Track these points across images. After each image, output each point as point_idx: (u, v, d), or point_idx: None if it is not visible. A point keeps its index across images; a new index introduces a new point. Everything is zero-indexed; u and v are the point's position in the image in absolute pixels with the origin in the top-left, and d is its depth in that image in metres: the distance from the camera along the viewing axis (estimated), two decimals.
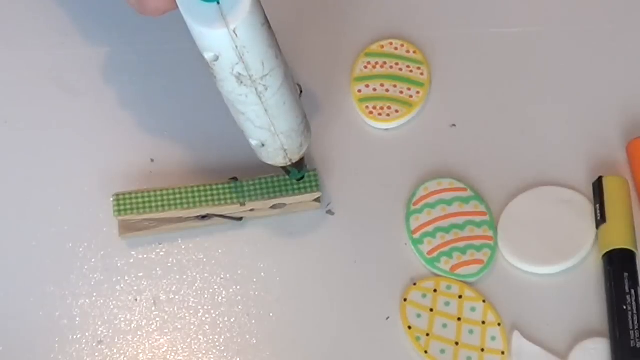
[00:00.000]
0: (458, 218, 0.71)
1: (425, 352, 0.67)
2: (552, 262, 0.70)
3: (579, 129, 0.75)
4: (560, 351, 0.67)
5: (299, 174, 0.70)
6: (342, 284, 0.70)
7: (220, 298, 0.70)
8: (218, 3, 0.59)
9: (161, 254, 0.71)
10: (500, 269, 0.70)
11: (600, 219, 0.70)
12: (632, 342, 0.65)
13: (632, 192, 0.71)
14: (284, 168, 0.69)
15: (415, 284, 0.69)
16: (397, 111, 0.75)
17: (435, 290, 0.69)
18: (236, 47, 0.60)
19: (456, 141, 0.75)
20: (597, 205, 0.70)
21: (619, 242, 0.69)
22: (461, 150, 0.74)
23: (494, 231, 0.71)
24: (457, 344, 0.67)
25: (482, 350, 0.67)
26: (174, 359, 0.68)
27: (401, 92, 0.76)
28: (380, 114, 0.75)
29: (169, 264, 0.71)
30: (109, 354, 0.68)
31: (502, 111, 0.76)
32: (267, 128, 0.65)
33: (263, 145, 0.67)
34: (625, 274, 0.67)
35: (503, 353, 0.67)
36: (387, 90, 0.76)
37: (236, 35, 0.59)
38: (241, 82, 0.62)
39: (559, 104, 0.76)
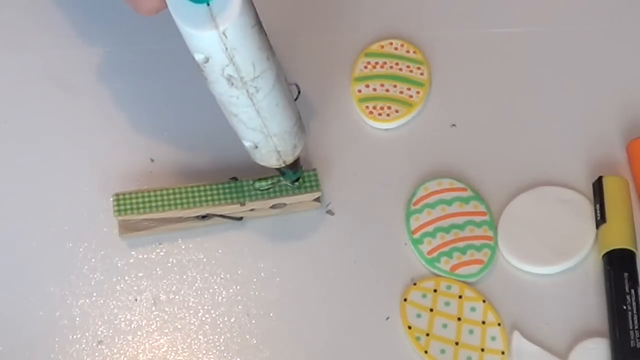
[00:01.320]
0: (458, 218, 0.71)
1: (425, 352, 0.67)
2: (552, 262, 0.70)
3: (579, 129, 0.75)
4: (560, 351, 0.67)
5: (294, 175, 0.70)
6: (342, 284, 0.70)
7: (220, 298, 0.70)
8: (208, 4, 0.58)
9: (161, 254, 0.71)
10: (500, 269, 0.70)
11: (600, 219, 0.70)
12: (632, 342, 0.65)
13: (632, 192, 0.71)
14: (278, 169, 0.69)
15: (415, 284, 0.69)
16: (397, 111, 0.75)
17: (435, 290, 0.69)
18: (226, 48, 0.59)
19: (456, 141, 0.75)
20: (597, 205, 0.70)
21: (619, 242, 0.69)
22: (461, 150, 0.75)
23: (494, 231, 0.71)
24: (457, 344, 0.67)
25: (482, 350, 0.67)
26: (174, 359, 0.68)
27: (401, 92, 0.76)
28: (380, 114, 0.75)
29: (169, 264, 0.71)
30: (109, 354, 0.68)
31: (502, 111, 0.76)
32: (259, 130, 0.65)
33: (256, 147, 0.66)
34: (625, 274, 0.67)
35: (503, 353, 0.67)
36: (387, 90, 0.76)
37: (226, 36, 0.59)
38: (232, 84, 0.61)
39: (558, 103, 0.76)
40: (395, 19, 0.80)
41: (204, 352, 0.68)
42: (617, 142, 0.74)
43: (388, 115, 0.75)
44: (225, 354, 0.68)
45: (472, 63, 0.78)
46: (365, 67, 0.77)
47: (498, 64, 0.78)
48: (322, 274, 0.70)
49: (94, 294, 0.70)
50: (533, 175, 0.73)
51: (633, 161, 0.73)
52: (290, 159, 0.68)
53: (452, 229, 0.71)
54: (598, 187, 0.71)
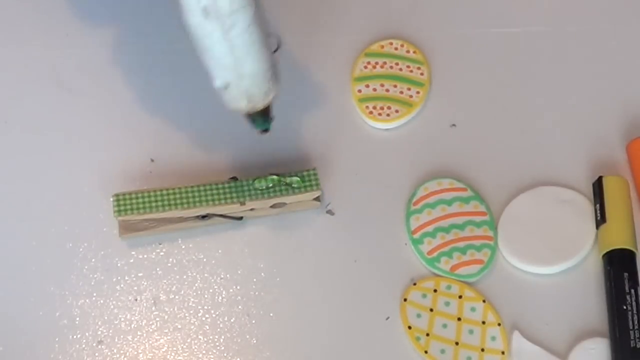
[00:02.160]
0: (458, 218, 0.71)
1: (425, 352, 0.67)
2: (552, 262, 0.70)
3: (579, 129, 0.75)
4: (560, 351, 0.67)
5: (264, 124, 0.69)
6: (342, 284, 0.70)
7: (220, 298, 0.70)
8: None
9: (161, 254, 0.71)
10: (500, 269, 0.70)
11: (600, 219, 0.70)
12: (632, 342, 0.65)
13: (632, 192, 0.71)
14: (248, 116, 0.68)
15: (415, 284, 0.69)
16: (397, 111, 0.75)
17: (435, 290, 0.69)
18: None
19: (456, 141, 0.75)
20: (597, 205, 0.70)
21: (619, 242, 0.69)
22: (461, 150, 0.75)
23: (494, 231, 0.71)
24: (457, 344, 0.67)
25: (482, 350, 0.67)
26: (174, 359, 0.68)
27: (401, 92, 0.76)
28: (380, 114, 0.75)
29: (169, 264, 0.71)
30: (109, 354, 0.68)
31: (502, 111, 0.76)
32: (231, 68, 0.64)
33: (227, 87, 0.66)
34: (625, 274, 0.67)
35: (503, 353, 0.67)
36: (387, 90, 0.76)
37: None
38: (207, 15, 0.61)
39: (559, 104, 0.76)
40: (395, 19, 0.80)
41: (204, 352, 0.68)
42: (617, 142, 0.74)
43: (388, 115, 0.75)
44: (225, 354, 0.68)
45: (472, 63, 0.78)
46: (365, 67, 0.77)
47: (498, 64, 0.78)
48: (322, 274, 0.70)
49: (94, 294, 0.70)
50: (533, 175, 0.73)
51: (633, 161, 0.73)
52: (260, 105, 0.67)
53: (452, 229, 0.71)
54: (598, 187, 0.71)
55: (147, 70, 0.78)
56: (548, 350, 0.67)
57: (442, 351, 0.67)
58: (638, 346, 0.65)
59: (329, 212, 0.72)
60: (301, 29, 0.79)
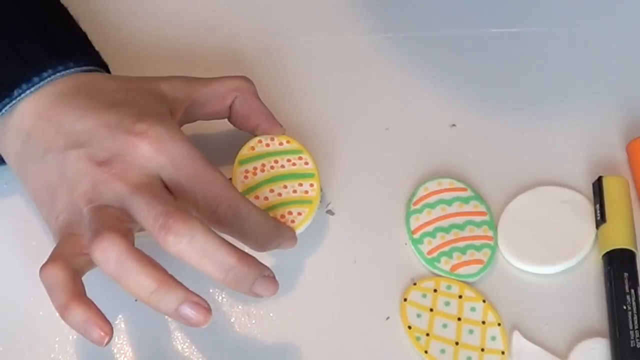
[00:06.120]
0: (458, 218, 0.71)
1: (425, 352, 0.67)
2: (552, 262, 0.70)
3: (579, 129, 0.75)
4: (560, 351, 0.67)
5: None
6: (342, 284, 0.70)
7: (220, 298, 0.70)
8: None
9: (161, 254, 0.71)
10: (500, 269, 0.70)
11: (600, 219, 0.70)
12: (632, 342, 0.65)
13: (632, 192, 0.71)
14: None
15: (415, 284, 0.69)
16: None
17: (435, 290, 0.69)
18: None
19: (456, 141, 0.75)
20: (597, 205, 0.70)
21: (619, 242, 0.69)
22: (461, 150, 0.75)
23: (494, 231, 0.71)
24: (457, 344, 0.67)
25: (482, 350, 0.67)
26: (174, 359, 0.68)
27: None
28: None
29: (169, 265, 0.71)
30: (109, 353, 0.68)
31: (502, 111, 0.76)
32: None
33: None
34: (625, 274, 0.67)
35: (503, 353, 0.67)
36: None
37: None
38: None
39: (558, 104, 0.76)
40: (395, 17, 0.80)
41: (204, 352, 0.68)
42: (617, 142, 0.74)
43: None
44: (225, 354, 0.68)
45: (472, 63, 0.78)
46: None
47: (498, 64, 0.78)
48: (322, 274, 0.70)
49: (94, 294, 0.70)
50: (533, 175, 0.73)
51: (633, 161, 0.73)
52: None
53: (452, 229, 0.71)
54: (598, 187, 0.71)
55: (147, 70, 0.78)
56: (548, 350, 0.67)
57: (442, 351, 0.67)
58: (638, 346, 0.65)
59: (329, 212, 0.72)
60: (301, 29, 0.79)
